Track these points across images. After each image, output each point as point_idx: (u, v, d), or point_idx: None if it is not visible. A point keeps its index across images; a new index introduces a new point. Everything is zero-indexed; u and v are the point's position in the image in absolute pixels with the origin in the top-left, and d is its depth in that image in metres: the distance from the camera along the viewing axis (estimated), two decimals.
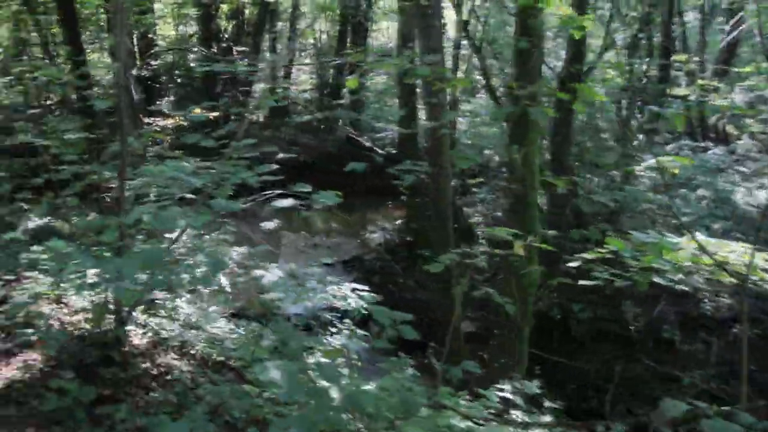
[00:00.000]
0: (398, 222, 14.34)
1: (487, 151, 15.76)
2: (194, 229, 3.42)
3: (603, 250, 4.21)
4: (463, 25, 9.94)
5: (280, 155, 3.75)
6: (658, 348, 10.27)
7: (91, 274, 3.37)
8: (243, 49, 13.87)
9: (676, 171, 3.63)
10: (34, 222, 9.80)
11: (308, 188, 2.95)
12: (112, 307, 3.72)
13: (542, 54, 7.94)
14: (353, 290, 4.87)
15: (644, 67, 13.50)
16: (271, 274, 2.61)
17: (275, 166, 3.12)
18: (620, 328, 10.35)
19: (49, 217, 9.92)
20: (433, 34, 7.32)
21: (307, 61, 20.13)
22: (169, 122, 7.21)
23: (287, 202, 2.95)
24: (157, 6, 16.47)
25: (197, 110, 3.77)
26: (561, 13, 4.01)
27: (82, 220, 3.35)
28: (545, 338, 9.67)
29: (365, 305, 4.70)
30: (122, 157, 3.29)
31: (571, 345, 10.56)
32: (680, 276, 4.49)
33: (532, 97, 7.74)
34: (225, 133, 3.48)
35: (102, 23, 12.97)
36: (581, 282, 4.14)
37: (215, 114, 8.38)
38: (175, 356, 4.49)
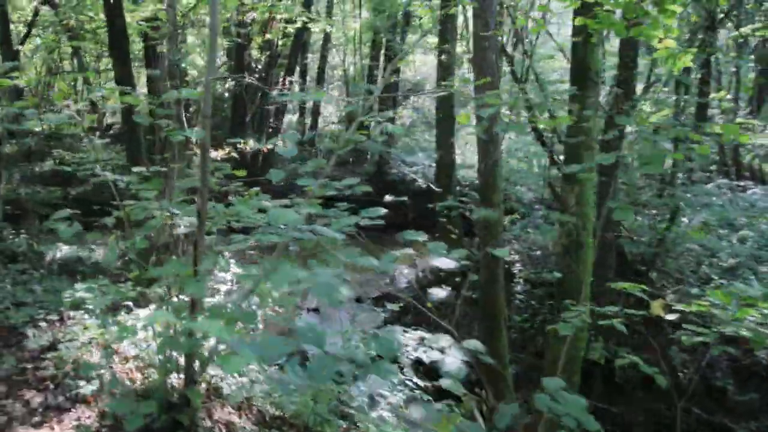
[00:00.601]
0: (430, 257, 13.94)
1: (520, 187, 15.45)
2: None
3: (705, 303, 3.87)
4: (508, 58, 9.69)
5: (388, 197, 3.42)
6: (709, 396, 9.76)
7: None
8: (293, 79, 13.70)
9: None
10: (61, 251, 9.55)
11: (423, 237, 2.64)
12: (175, 354, 3.37)
13: (598, 92, 7.67)
14: (421, 339, 4.49)
15: (682, 104, 13.21)
16: (453, 356, 2.23)
17: (383, 210, 2.80)
18: (668, 374, 9.89)
19: (77, 247, 9.68)
20: (489, 68, 7.08)
21: (335, 92, 20.01)
22: (221, 154, 6.95)
23: (450, 263, 2.61)
24: (189, 38, 16.44)
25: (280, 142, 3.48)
26: (663, 46, 3.69)
27: (156, 268, 3.05)
28: (586, 383, 9.28)
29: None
30: (202, 195, 2.98)
31: (614, 391, 10.11)
32: None
33: (588, 137, 7.44)
34: (311, 170, 3.17)
35: (137, 52, 12.89)
36: (683, 338, 3.77)
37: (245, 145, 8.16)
38: (232, 410, 4.14)
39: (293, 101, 17.86)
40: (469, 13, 11.69)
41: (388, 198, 3.39)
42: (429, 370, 6.53)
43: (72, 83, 16.39)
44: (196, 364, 3.21)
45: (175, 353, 3.23)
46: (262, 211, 3.13)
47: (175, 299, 3.36)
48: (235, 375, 4.47)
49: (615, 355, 9.68)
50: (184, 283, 2.58)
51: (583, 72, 7.05)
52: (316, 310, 12.34)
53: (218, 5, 2.81)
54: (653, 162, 2.62)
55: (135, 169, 3.40)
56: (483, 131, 5.98)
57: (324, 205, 3.13)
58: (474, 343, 2.47)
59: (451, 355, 2.34)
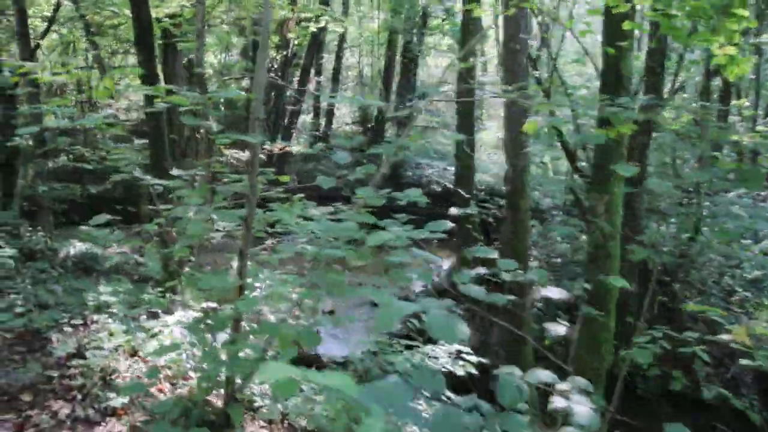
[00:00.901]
0: (445, 262, 13.79)
1: (537, 193, 15.26)
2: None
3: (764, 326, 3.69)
4: (531, 62, 9.51)
5: (453, 210, 3.23)
6: (734, 412, 9.53)
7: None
8: (319, 80, 13.54)
9: None
10: (75, 248, 9.42)
11: (494, 254, 2.48)
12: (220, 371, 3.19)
13: (631, 99, 7.50)
14: (458, 353, 4.34)
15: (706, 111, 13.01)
16: (581, 403, 2.05)
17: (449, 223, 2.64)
18: (691, 389, 9.67)
19: (90, 245, 9.53)
20: (521, 72, 6.92)
21: (348, 93, 19.87)
22: (245, 155, 6.77)
23: (561, 294, 2.46)
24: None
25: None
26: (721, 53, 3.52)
27: (197, 279, 2.87)
28: (606, 395, 9.09)
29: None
30: (250, 202, 2.82)
31: (635, 404, 9.90)
32: None
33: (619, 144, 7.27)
34: (362, 176, 3.02)
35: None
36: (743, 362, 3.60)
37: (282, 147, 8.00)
38: (264, 423, 3.98)
39: (308, 101, 17.74)
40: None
41: (453, 210, 3.22)
42: (461, 383, 6.34)
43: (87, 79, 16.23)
44: (237, 380, 3.05)
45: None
46: (307, 219, 2.99)
47: (207, 308, 3.19)
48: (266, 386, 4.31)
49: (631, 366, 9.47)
50: (230, 296, 2.42)
51: (616, 78, 6.90)
52: (331, 312, 12.17)
53: (270, 2, 2.66)
54: (752, 179, 2.44)
55: (175, 173, 3.24)
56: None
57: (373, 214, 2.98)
58: (583, 382, 2.30)
59: (579, 402, 2.15)
